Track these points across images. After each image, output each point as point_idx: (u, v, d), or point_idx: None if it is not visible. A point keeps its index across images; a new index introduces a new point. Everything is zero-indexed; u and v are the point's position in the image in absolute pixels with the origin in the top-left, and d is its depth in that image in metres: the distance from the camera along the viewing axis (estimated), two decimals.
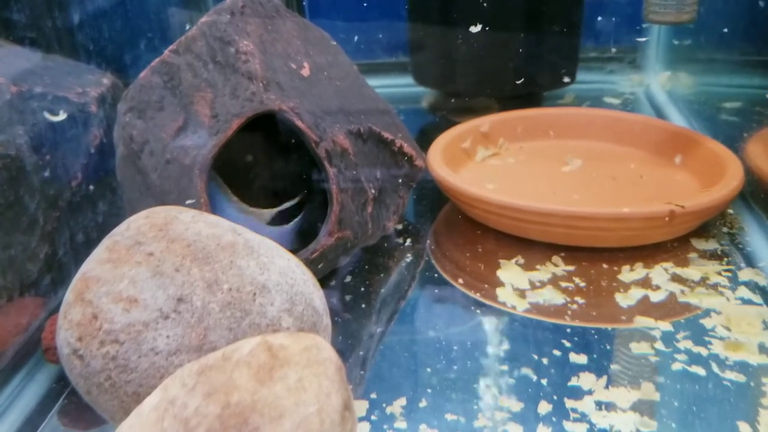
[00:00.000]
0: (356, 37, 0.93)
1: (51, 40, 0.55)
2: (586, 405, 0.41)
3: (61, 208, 0.52)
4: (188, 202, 0.47)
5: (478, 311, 0.50)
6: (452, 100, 0.90)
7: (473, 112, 0.74)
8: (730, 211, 0.61)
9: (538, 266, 0.54)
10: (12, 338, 0.47)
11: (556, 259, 0.55)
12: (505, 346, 0.46)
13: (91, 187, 0.56)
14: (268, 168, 0.61)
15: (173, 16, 0.75)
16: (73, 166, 0.54)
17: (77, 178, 0.54)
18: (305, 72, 0.53)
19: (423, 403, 0.42)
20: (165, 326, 0.34)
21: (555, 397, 0.41)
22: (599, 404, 0.41)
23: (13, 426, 0.43)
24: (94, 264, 0.36)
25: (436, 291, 0.53)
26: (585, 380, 0.42)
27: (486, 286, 0.53)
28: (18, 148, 0.47)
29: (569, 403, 0.41)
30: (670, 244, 0.56)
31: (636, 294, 0.50)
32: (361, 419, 0.40)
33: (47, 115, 0.46)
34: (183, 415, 0.29)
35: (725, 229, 0.59)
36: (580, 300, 0.50)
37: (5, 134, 0.46)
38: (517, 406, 0.41)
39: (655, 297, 0.50)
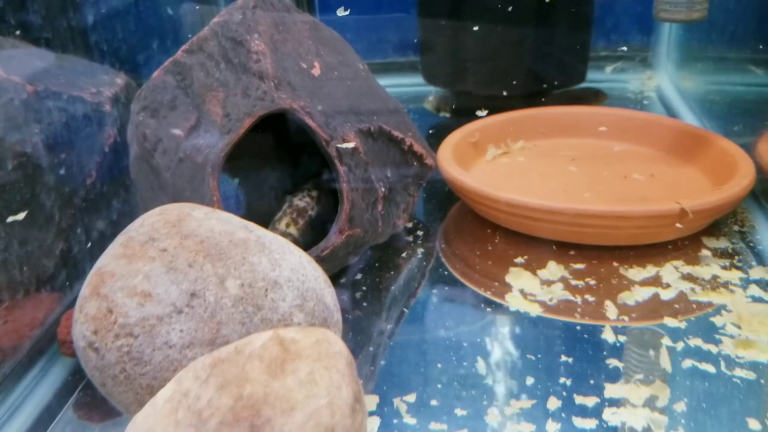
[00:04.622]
0: (366, 36, 0.94)
1: (66, 40, 0.56)
2: (595, 401, 0.41)
3: (76, 205, 0.53)
4: None
5: (488, 309, 0.50)
6: (454, 103, 0.90)
7: (469, 115, 0.73)
8: (742, 209, 0.61)
9: (548, 264, 0.54)
10: (28, 332, 0.47)
11: (566, 257, 0.55)
12: (515, 343, 0.47)
13: (105, 186, 0.57)
14: (279, 167, 0.62)
15: (185, 16, 0.76)
16: (88, 164, 0.55)
17: (92, 177, 0.55)
18: (316, 71, 0.54)
19: (433, 399, 0.42)
20: (178, 320, 0.35)
21: (564, 394, 0.41)
22: (609, 401, 0.41)
23: (29, 418, 0.44)
24: (109, 259, 0.37)
25: (446, 289, 0.53)
26: (595, 377, 0.43)
27: (496, 284, 0.53)
28: (34, 146, 0.48)
29: (579, 400, 0.41)
30: (680, 243, 0.56)
31: (646, 292, 0.50)
32: (371, 413, 0.41)
33: None
34: (196, 407, 0.30)
35: (736, 228, 0.58)
36: (590, 298, 0.50)
37: (22, 133, 0.47)
38: (526, 402, 0.41)
39: (666, 295, 0.50)
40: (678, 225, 0.52)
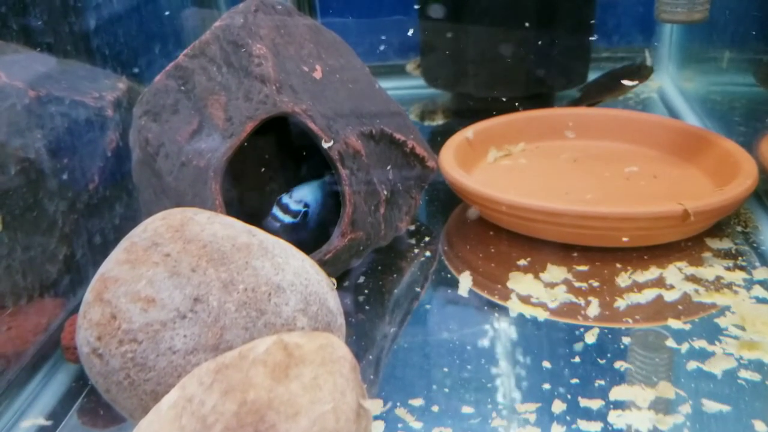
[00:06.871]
0: (366, 39, 0.94)
1: (68, 45, 0.56)
2: (600, 404, 0.41)
3: (79, 210, 0.53)
4: None
5: (491, 312, 0.50)
6: (444, 110, 0.90)
7: (470, 117, 0.73)
8: (745, 209, 0.61)
9: (551, 267, 0.54)
10: (32, 338, 0.47)
11: (569, 259, 0.55)
12: (519, 346, 0.46)
13: (108, 190, 0.57)
14: (281, 171, 0.62)
15: (187, 20, 0.76)
16: (91, 169, 0.55)
17: (94, 181, 0.55)
18: (317, 74, 0.54)
19: (438, 403, 0.42)
20: (182, 326, 0.35)
21: (569, 397, 0.41)
22: (614, 403, 0.41)
23: (33, 424, 0.44)
24: (113, 264, 0.37)
25: (449, 292, 0.53)
26: (599, 380, 0.42)
27: (499, 286, 0.53)
28: (37, 151, 0.48)
29: (584, 402, 0.41)
30: (684, 244, 0.56)
31: (650, 294, 0.50)
32: (376, 418, 0.41)
33: None
34: (201, 413, 0.30)
35: (739, 228, 0.58)
36: (593, 300, 0.50)
37: (24, 138, 0.47)
38: (531, 405, 0.41)
39: (669, 296, 0.50)
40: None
